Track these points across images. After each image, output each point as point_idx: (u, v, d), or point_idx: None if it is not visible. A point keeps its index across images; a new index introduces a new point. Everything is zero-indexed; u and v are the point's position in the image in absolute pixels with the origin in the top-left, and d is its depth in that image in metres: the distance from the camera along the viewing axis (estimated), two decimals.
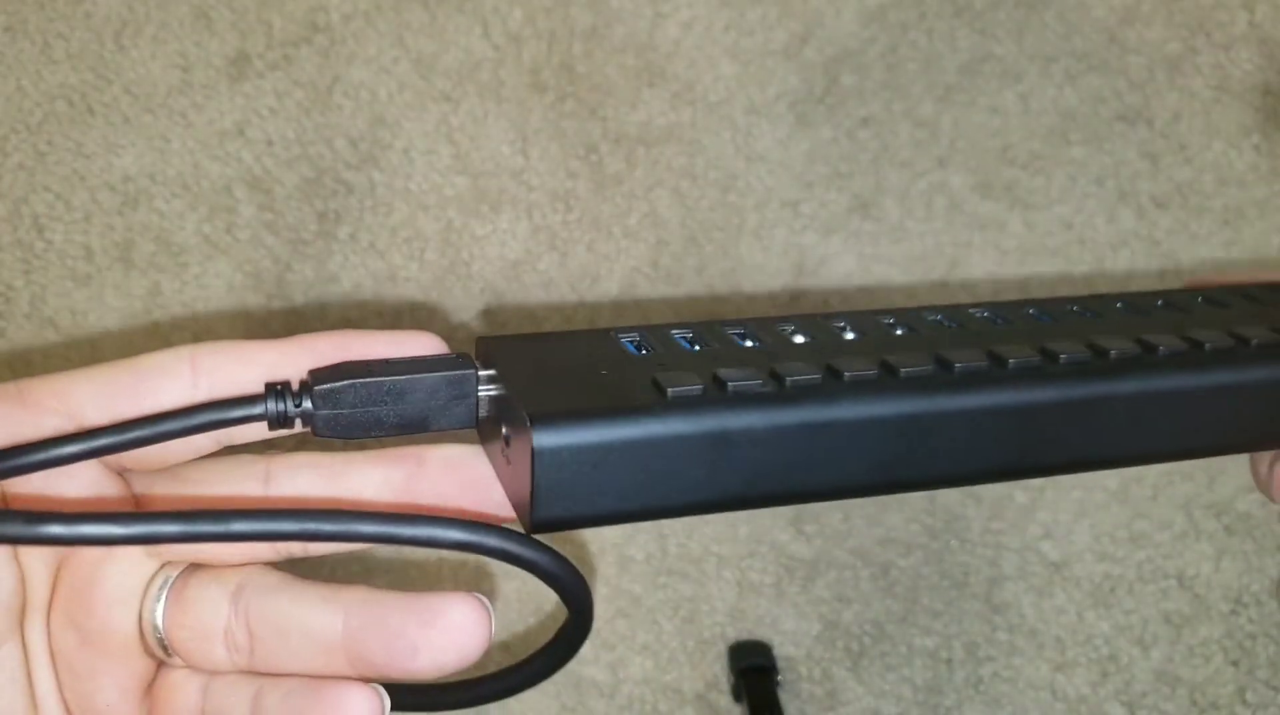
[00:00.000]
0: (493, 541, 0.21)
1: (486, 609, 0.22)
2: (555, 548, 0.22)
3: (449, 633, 0.21)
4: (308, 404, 0.22)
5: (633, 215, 0.57)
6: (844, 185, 0.58)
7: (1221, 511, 0.50)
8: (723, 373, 0.23)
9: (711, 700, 0.47)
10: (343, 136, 0.59)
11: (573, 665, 0.47)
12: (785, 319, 0.26)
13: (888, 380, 0.24)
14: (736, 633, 0.49)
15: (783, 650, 0.48)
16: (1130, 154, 0.58)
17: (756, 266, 0.56)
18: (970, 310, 0.29)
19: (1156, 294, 0.33)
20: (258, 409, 0.22)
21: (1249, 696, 0.46)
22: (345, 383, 0.22)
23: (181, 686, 0.23)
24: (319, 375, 0.22)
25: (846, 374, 0.24)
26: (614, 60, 0.61)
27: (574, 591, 0.22)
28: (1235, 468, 0.51)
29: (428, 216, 0.57)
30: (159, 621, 0.22)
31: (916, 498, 0.51)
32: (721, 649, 0.48)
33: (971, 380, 0.25)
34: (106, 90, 0.61)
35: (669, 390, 0.22)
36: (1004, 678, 0.47)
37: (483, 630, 0.21)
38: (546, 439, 0.21)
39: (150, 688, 0.23)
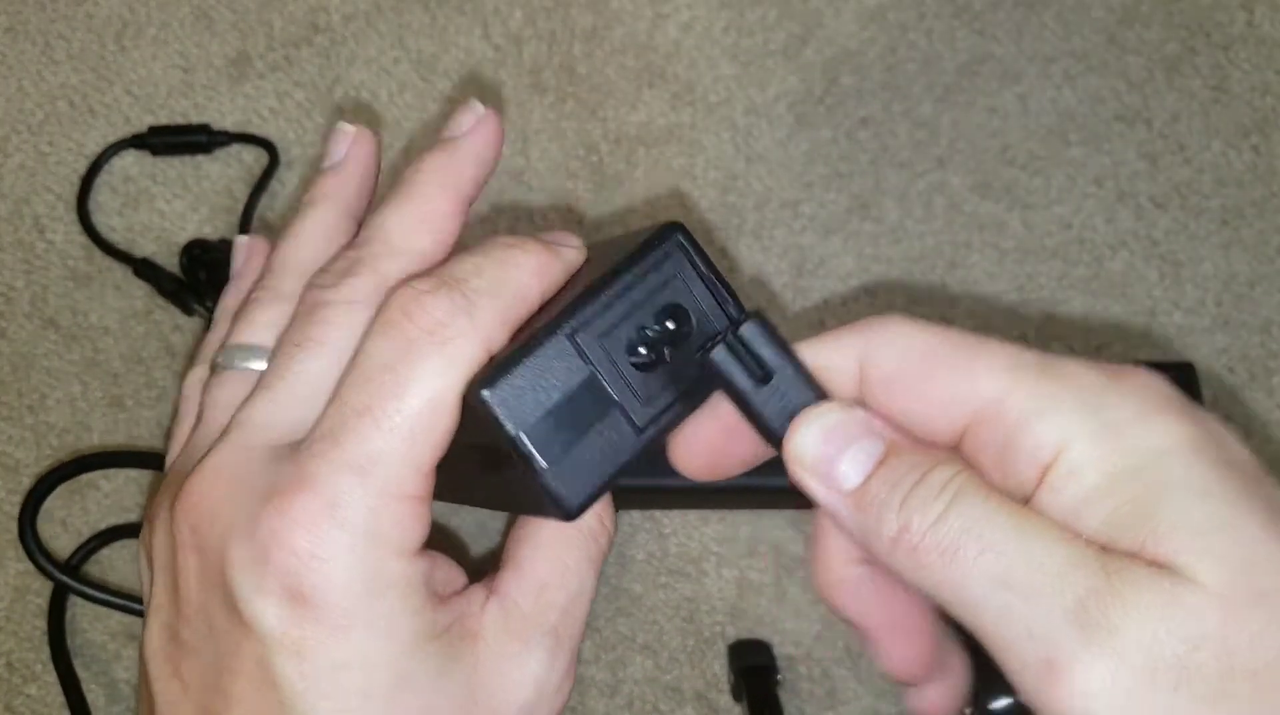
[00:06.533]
0: None
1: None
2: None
3: None
4: None
5: (633, 216, 0.57)
6: (843, 186, 0.58)
7: None
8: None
9: (711, 699, 0.47)
10: None
11: None
12: None
13: None
14: (736, 632, 0.49)
15: (783, 650, 0.48)
16: (1129, 154, 0.58)
17: (756, 266, 0.56)
18: None
19: None
20: None
21: None
22: None
23: None
24: None
25: None
26: (614, 61, 0.61)
27: None
28: None
29: None
30: None
31: None
32: (721, 648, 0.48)
33: None
34: (108, 91, 0.61)
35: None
36: None
37: None
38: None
39: None
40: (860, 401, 0.25)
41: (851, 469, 0.24)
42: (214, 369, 0.29)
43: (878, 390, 0.25)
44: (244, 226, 0.55)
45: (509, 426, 0.24)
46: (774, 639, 0.48)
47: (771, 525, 0.50)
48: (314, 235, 0.30)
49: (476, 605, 0.27)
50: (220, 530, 0.25)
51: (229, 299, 0.32)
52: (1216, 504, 0.22)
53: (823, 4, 0.62)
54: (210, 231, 0.57)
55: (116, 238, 0.57)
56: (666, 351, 0.26)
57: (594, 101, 0.60)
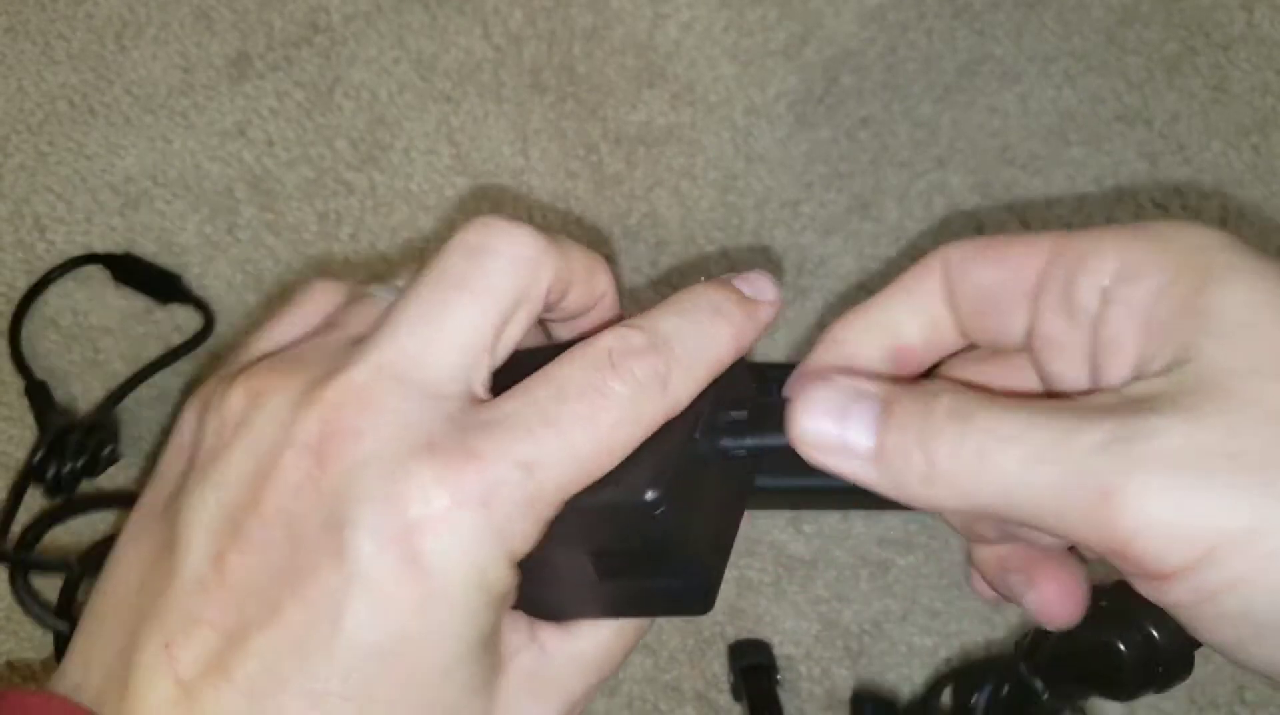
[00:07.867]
0: None
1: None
2: None
3: None
4: None
5: (633, 215, 0.57)
6: (843, 185, 0.58)
7: None
8: None
9: (711, 699, 0.47)
10: (343, 137, 0.59)
11: None
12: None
13: None
14: (736, 632, 0.49)
15: (782, 649, 0.48)
16: (1129, 154, 0.58)
17: (756, 266, 0.56)
18: None
19: None
20: None
21: (1248, 696, 0.46)
22: None
23: None
24: None
25: None
26: (614, 61, 0.61)
27: None
28: None
29: (428, 217, 0.57)
30: None
31: None
32: (721, 648, 0.48)
33: None
34: (108, 91, 0.61)
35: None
36: None
37: None
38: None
39: None
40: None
41: (860, 434, 0.24)
42: (366, 296, 0.29)
43: (970, 320, 0.27)
44: (131, 383, 0.53)
45: (675, 532, 0.25)
46: (774, 639, 0.48)
47: (771, 525, 0.50)
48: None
49: (516, 639, 0.27)
50: (357, 455, 0.24)
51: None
52: (1256, 291, 0.22)
53: (823, 4, 0.62)
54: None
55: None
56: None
57: (594, 101, 0.60)
